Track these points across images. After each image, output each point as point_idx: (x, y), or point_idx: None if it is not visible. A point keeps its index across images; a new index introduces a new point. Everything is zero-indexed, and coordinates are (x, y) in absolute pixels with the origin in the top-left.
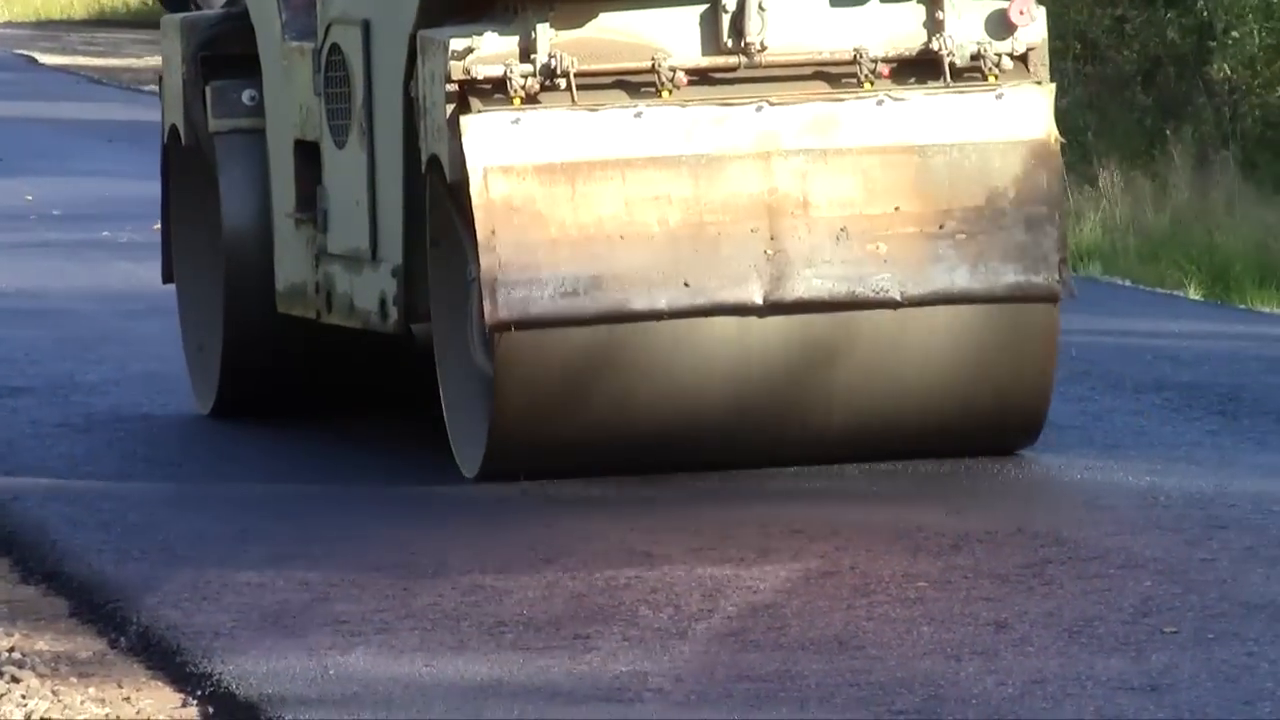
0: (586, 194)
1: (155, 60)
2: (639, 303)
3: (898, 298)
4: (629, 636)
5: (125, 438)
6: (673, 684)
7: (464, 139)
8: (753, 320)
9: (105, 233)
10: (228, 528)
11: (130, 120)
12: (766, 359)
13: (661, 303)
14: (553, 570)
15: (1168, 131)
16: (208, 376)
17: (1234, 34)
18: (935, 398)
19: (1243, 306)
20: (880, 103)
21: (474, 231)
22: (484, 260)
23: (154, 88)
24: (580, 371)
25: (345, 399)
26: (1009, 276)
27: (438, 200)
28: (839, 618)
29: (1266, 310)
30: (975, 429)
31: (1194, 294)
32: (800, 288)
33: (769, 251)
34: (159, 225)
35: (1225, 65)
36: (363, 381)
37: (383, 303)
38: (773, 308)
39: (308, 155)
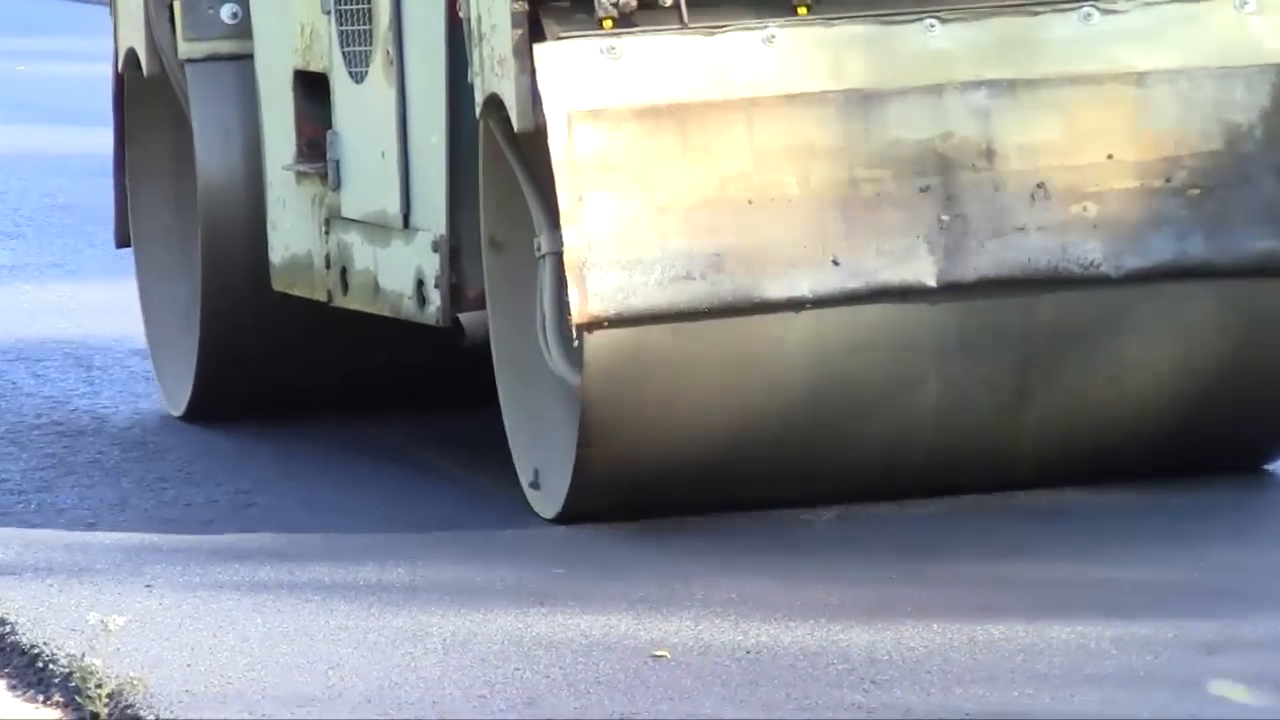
0: (703, 145)
1: None
2: (774, 288)
3: (1112, 273)
4: (288, 489)
5: None
6: (339, 537)
7: (539, 75)
8: (923, 307)
9: None
10: None
11: None
12: (940, 357)
13: (804, 287)
14: (213, 423)
15: None
16: (180, 369)
17: None
18: (1160, 401)
19: None
20: (1086, 16)
21: (552, 196)
22: (569, 236)
23: None
24: (696, 379)
25: (361, 401)
26: (1257, 242)
27: (496, 153)
28: None
29: None
30: (1211, 439)
31: None
32: (985, 263)
33: (944, 217)
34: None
35: None
36: (384, 380)
37: (420, 284)
38: (950, 290)
39: (312, 90)
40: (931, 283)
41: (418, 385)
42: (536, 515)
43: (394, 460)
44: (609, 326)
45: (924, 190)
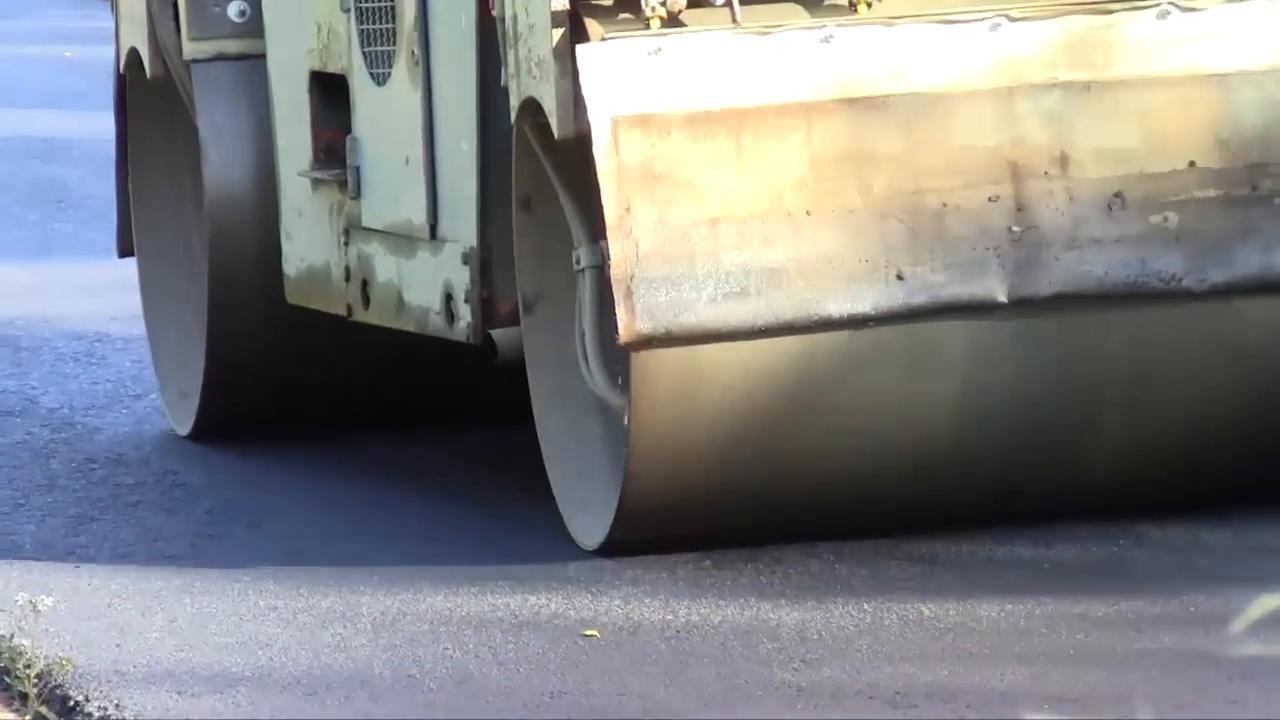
0: (757, 153)
1: None
2: (834, 304)
3: (1194, 287)
4: (217, 471)
5: None
6: (267, 517)
7: (582, 78)
8: (993, 324)
9: None
10: None
11: None
12: (1010, 378)
13: (865, 303)
14: (143, 406)
15: None
16: (185, 387)
17: None
18: (1247, 423)
19: None
20: (1164, 14)
21: (593, 207)
22: (616, 249)
23: None
24: (750, 402)
25: (377, 420)
26: None
27: (531, 160)
28: None
29: None
30: None
31: None
32: (1059, 277)
33: (1015, 228)
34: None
35: None
36: (406, 398)
37: (448, 299)
38: (1021, 305)
39: (329, 93)
40: (1002, 298)
41: (438, 404)
42: (465, 495)
43: (326, 443)
44: (657, 345)
45: (993, 200)
